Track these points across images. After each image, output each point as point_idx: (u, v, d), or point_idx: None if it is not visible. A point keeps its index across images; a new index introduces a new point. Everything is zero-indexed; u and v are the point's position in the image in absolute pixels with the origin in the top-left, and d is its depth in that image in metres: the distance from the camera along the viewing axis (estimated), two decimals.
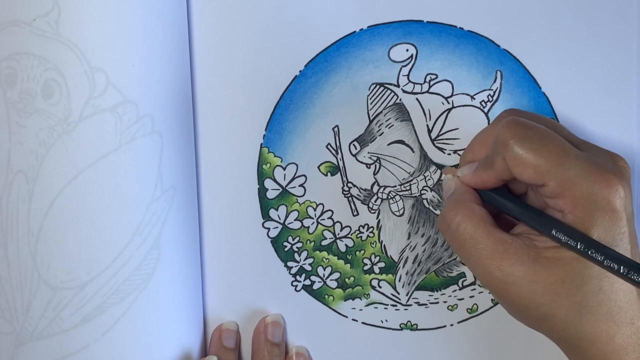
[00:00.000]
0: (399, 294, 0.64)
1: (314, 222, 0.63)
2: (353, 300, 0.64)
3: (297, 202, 0.63)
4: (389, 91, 0.61)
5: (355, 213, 0.63)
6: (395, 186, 0.63)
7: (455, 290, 0.63)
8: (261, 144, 0.62)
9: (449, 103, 0.61)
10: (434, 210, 0.63)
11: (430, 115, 0.62)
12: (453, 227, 0.52)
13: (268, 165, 0.62)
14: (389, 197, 0.63)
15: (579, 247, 0.48)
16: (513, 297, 0.50)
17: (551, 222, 0.50)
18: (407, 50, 0.61)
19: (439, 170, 0.62)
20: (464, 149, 0.61)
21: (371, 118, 0.62)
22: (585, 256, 0.48)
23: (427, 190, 0.62)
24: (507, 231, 0.52)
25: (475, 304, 0.63)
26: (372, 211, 0.63)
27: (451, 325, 0.64)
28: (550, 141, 0.50)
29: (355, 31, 0.61)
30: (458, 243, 0.52)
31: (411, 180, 0.62)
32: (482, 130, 0.57)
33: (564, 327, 0.49)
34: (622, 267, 0.47)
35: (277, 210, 0.63)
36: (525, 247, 0.50)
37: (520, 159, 0.50)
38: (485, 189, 0.55)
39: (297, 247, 0.63)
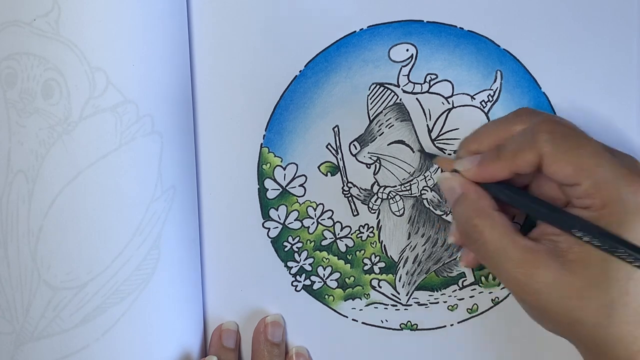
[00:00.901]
0: (399, 293, 0.64)
1: (314, 222, 0.63)
2: (353, 300, 0.64)
3: (297, 202, 0.63)
4: (389, 91, 0.61)
5: (355, 213, 0.63)
6: (396, 186, 0.63)
7: (456, 290, 0.63)
8: (261, 144, 0.62)
9: (449, 103, 0.61)
10: (434, 210, 0.63)
11: (430, 115, 0.62)
12: (477, 240, 0.52)
13: (268, 165, 0.62)
14: (389, 197, 0.63)
15: (611, 247, 0.47)
16: (543, 303, 0.49)
17: (575, 220, 0.50)
18: (407, 50, 0.61)
19: (439, 170, 0.62)
20: None
21: (371, 118, 0.62)
22: (618, 255, 0.47)
23: (427, 190, 0.62)
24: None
25: (475, 304, 0.63)
26: (372, 211, 0.63)
27: (451, 325, 0.64)
28: (588, 142, 0.50)
29: (355, 31, 0.61)
30: (483, 254, 0.52)
31: (411, 180, 0.62)
32: (493, 121, 0.56)
33: (592, 330, 0.49)
34: None
35: (277, 210, 0.63)
36: (552, 252, 0.50)
37: (560, 157, 0.49)
38: (490, 182, 0.54)
39: (297, 247, 0.63)
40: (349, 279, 0.64)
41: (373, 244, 0.63)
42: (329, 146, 0.62)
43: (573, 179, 0.49)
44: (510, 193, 0.53)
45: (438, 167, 0.62)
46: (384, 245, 0.63)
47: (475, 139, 0.56)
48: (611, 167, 0.49)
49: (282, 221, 0.63)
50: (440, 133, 0.62)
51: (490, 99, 0.61)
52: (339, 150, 0.62)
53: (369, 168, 0.63)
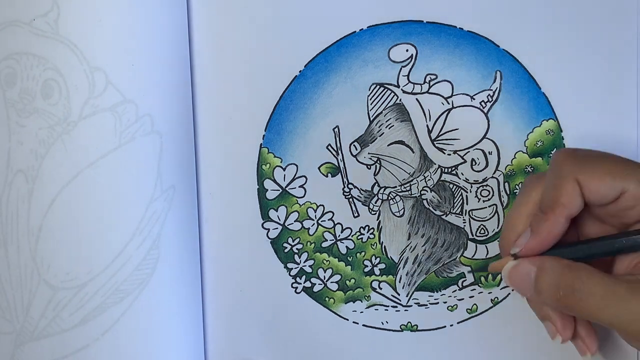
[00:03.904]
0: (399, 294, 0.64)
1: (314, 224, 0.63)
2: (354, 302, 0.64)
3: (297, 203, 0.63)
4: (388, 91, 0.61)
5: (355, 214, 0.63)
6: (395, 187, 0.62)
7: (455, 290, 0.63)
8: (261, 144, 0.62)
9: (448, 103, 0.61)
10: (433, 211, 0.63)
11: (430, 116, 0.62)
12: (580, 291, 0.47)
13: (268, 165, 0.62)
14: (389, 198, 0.63)
15: None
16: None
17: None
18: (407, 50, 0.61)
19: (439, 170, 0.62)
20: (463, 150, 0.61)
21: (371, 118, 0.62)
22: None
23: (427, 191, 0.62)
24: None
25: (474, 304, 0.63)
26: (372, 212, 0.63)
27: (451, 325, 0.63)
28: (610, 154, 0.49)
29: (355, 31, 0.61)
30: (592, 305, 0.46)
31: (411, 181, 0.62)
32: (512, 208, 0.54)
33: None
34: None
35: (276, 211, 0.63)
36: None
37: (594, 171, 0.47)
38: (552, 245, 0.50)
39: (297, 249, 0.63)
40: (350, 281, 0.64)
41: (373, 245, 0.63)
42: (329, 147, 0.62)
43: (615, 187, 0.47)
44: (571, 250, 0.50)
45: (438, 167, 0.62)
46: (384, 246, 0.63)
47: (510, 226, 0.53)
48: None
49: (281, 222, 0.63)
50: (440, 133, 0.62)
51: (490, 99, 0.61)
52: (340, 151, 0.62)
53: (369, 169, 0.62)
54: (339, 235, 0.63)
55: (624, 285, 0.46)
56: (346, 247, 0.63)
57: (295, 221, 0.63)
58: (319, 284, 0.64)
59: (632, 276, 0.48)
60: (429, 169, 0.62)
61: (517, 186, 0.62)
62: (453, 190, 0.63)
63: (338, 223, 0.63)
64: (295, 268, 0.63)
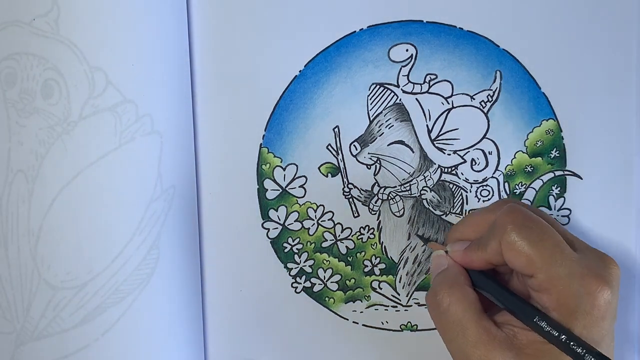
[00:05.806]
0: (399, 294, 0.64)
1: (314, 224, 0.63)
2: (354, 302, 0.64)
3: (297, 203, 0.63)
4: (388, 91, 0.61)
5: (355, 214, 0.63)
6: (395, 187, 0.63)
7: None
8: (261, 144, 0.62)
9: (448, 103, 0.61)
10: (433, 211, 0.63)
11: (430, 116, 0.62)
12: (443, 308, 0.52)
13: (268, 165, 0.62)
14: (389, 198, 0.63)
15: (561, 337, 0.47)
16: None
17: (534, 311, 0.50)
18: (407, 50, 0.61)
19: (439, 170, 0.62)
20: (463, 150, 0.61)
21: (371, 118, 0.62)
22: (566, 349, 0.47)
23: (426, 191, 0.62)
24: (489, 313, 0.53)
25: None
26: (372, 212, 0.63)
27: None
28: (548, 236, 0.50)
29: (355, 31, 0.61)
30: (444, 324, 0.52)
31: (411, 181, 0.62)
32: (476, 211, 0.59)
33: None
34: None
35: (276, 211, 0.63)
36: (508, 341, 0.50)
37: (515, 246, 0.50)
38: (472, 269, 0.55)
39: (297, 249, 0.63)
40: (350, 281, 0.64)
41: (373, 245, 0.63)
42: (329, 147, 0.62)
43: (527, 270, 0.50)
44: (484, 280, 0.54)
45: (438, 167, 0.62)
46: (384, 246, 0.63)
47: (458, 230, 0.57)
48: (568, 264, 0.49)
49: (281, 222, 0.63)
50: (440, 133, 0.62)
51: (490, 99, 0.61)
52: (340, 151, 0.62)
53: (369, 169, 0.62)
54: (339, 235, 0.63)
55: (475, 328, 0.50)
56: (346, 247, 0.63)
57: (295, 221, 0.63)
58: (319, 284, 0.64)
59: (497, 328, 0.51)
60: (428, 169, 0.62)
61: (517, 186, 0.62)
62: (453, 190, 0.63)
63: (338, 223, 0.63)
64: (295, 268, 0.63)
